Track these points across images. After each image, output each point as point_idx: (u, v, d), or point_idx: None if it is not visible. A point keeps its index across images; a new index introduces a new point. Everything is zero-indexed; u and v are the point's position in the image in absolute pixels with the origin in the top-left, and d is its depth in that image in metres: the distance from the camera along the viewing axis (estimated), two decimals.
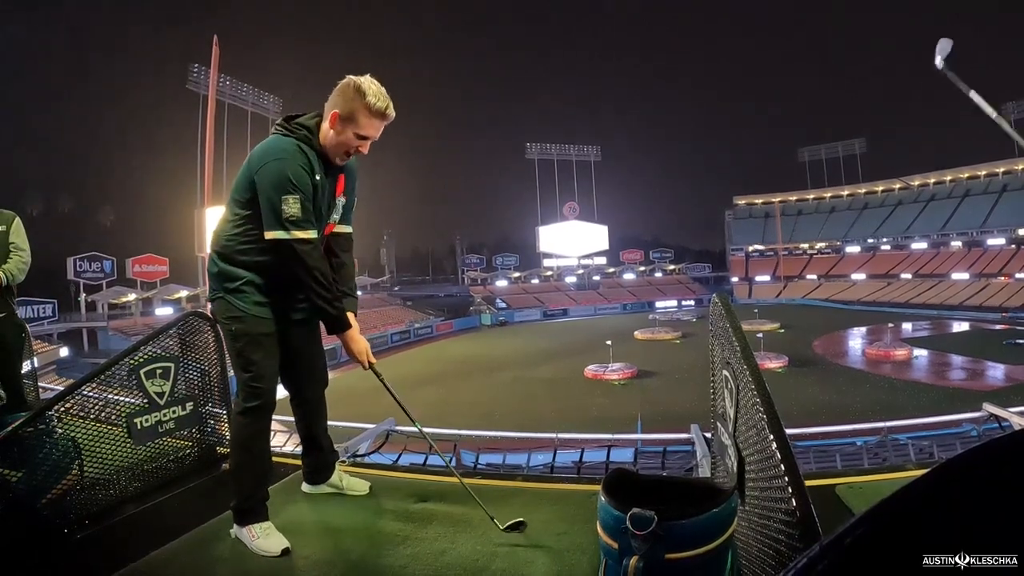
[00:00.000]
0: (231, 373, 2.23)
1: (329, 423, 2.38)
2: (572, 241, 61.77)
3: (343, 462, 2.63)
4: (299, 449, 2.39)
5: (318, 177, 1.94)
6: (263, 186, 1.86)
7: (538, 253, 61.20)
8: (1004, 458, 0.47)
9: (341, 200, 2.10)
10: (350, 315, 2.05)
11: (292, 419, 2.32)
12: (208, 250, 2.08)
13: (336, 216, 2.11)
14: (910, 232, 55.19)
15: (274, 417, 2.10)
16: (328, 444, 2.34)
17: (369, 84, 1.89)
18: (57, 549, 1.93)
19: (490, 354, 32.85)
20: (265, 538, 1.87)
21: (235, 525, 1.94)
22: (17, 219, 3.38)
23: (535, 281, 59.27)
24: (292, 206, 1.84)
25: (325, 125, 1.94)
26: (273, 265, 1.95)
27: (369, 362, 2.08)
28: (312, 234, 1.90)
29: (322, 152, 1.97)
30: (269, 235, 1.86)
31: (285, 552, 1.82)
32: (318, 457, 2.31)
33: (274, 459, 2.26)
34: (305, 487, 2.35)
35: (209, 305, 2.09)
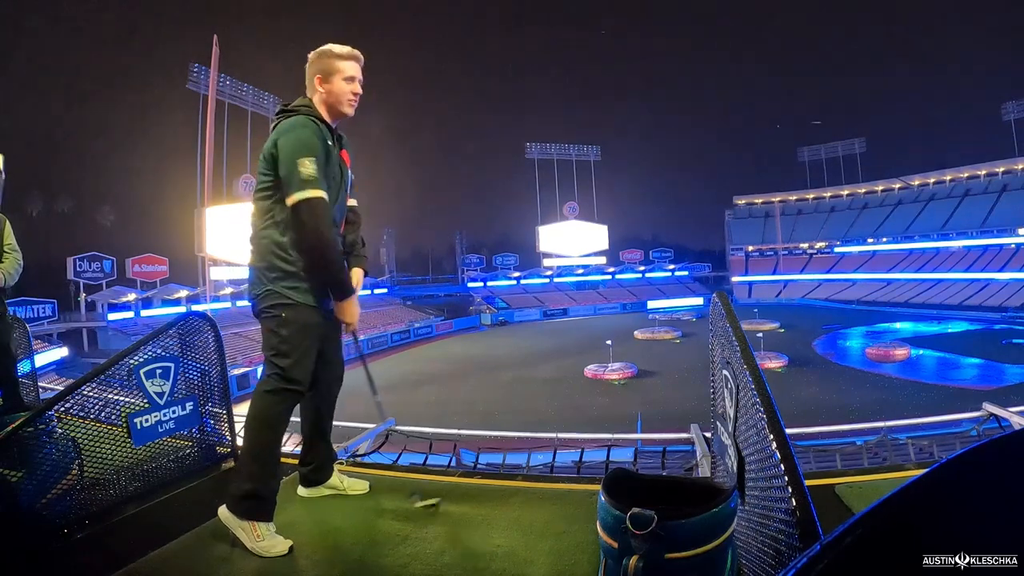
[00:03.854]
0: (231, 372, 2.23)
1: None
2: (572, 241, 61.75)
3: (341, 462, 2.62)
4: (299, 449, 2.38)
5: (330, 143, 2.04)
6: (283, 157, 1.94)
7: (538, 253, 61.16)
8: (1004, 458, 0.47)
9: (350, 174, 2.20)
10: (357, 272, 2.24)
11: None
12: (251, 257, 2.08)
13: (351, 191, 2.23)
14: (910, 232, 55.15)
15: None
16: (329, 443, 2.34)
17: (329, 44, 2.06)
18: (57, 549, 1.93)
19: (490, 354, 32.86)
20: (271, 537, 1.86)
21: (235, 517, 1.86)
22: (7, 220, 3.37)
23: (535, 281, 59.27)
24: (308, 167, 1.90)
25: (315, 96, 2.08)
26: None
27: (353, 331, 2.17)
28: (323, 193, 1.93)
29: (327, 121, 2.08)
30: (290, 201, 1.91)
31: (289, 551, 1.82)
32: (321, 458, 2.29)
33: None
34: (302, 490, 2.31)
35: (254, 309, 2.07)
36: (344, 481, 2.33)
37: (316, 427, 2.28)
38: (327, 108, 2.09)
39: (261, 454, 1.97)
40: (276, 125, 2.07)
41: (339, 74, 2.06)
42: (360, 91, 2.12)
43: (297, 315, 1.99)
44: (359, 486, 2.33)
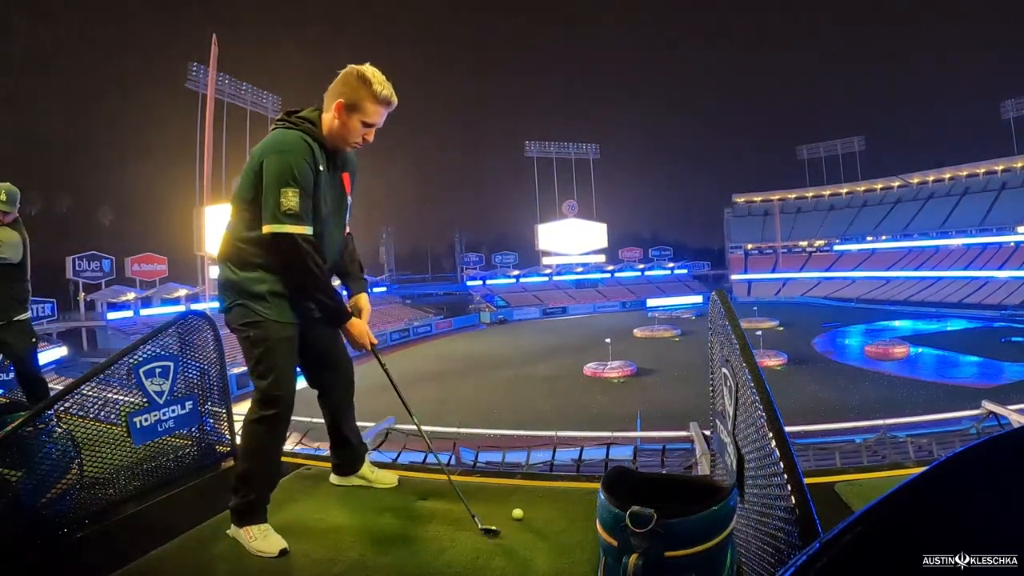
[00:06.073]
0: (231, 371, 2.23)
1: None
2: (571, 239, 61.73)
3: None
4: (299, 447, 2.40)
5: (321, 168, 1.94)
6: (267, 179, 1.84)
7: (537, 251, 61.15)
8: (1003, 456, 0.47)
9: (349, 200, 2.11)
10: (363, 297, 2.18)
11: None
12: (218, 258, 2.02)
13: (348, 216, 2.12)
14: (909, 230, 55.14)
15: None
16: (357, 439, 2.37)
17: (373, 72, 1.91)
18: (57, 549, 1.93)
19: (489, 352, 32.86)
20: (263, 539, 1.87)
21: (232, 525, 1.92)
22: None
23: (534, 279, 59.26)
24: (291, 199, 1.82)
25: (328, 116, 1.94)
26: None
27: (371, 343, 2.11)
28: (307, 230, 1.87)
29: (326, 144, 1.96)
30: (267, 229, 1.84)
31: (283, 553, 1.82)
32: (348, 451, 2.34)
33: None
34: (334, 479, 2.37)
35: (224, 316, 2.02)
36: (374, 472, 2.37)
37: (337, 429, 2.30)
38: (330, 135, 1.95)
39: (251, 480, 1.96)
40: (273, 130, 1.96)
41: (361, 114, 1.91)
42: (372, 139, 1.98)
43: (268, 332, 1.92)
44: (388, 479, 2.36)
